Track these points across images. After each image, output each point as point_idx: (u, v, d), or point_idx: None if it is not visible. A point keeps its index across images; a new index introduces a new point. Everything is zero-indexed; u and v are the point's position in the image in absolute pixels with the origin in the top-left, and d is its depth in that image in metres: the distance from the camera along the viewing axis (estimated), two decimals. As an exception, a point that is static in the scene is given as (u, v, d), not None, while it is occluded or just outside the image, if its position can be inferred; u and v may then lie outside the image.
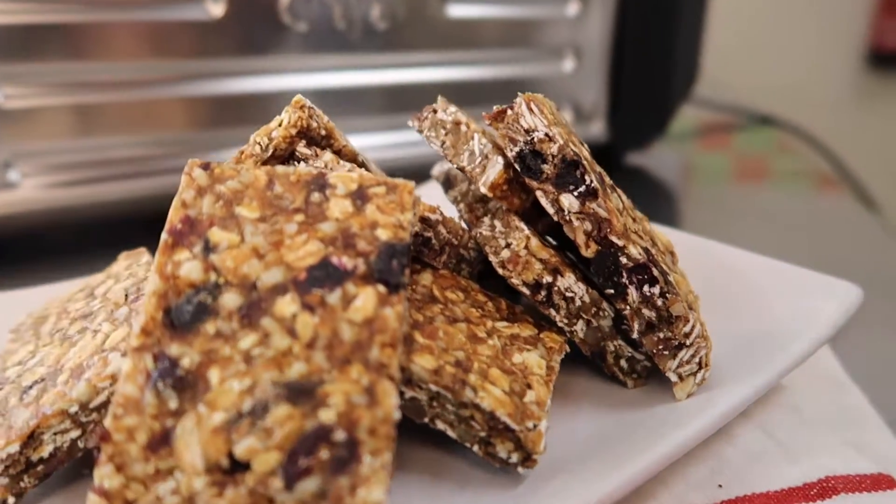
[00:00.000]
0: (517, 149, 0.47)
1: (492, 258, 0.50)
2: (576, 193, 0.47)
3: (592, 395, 0.51)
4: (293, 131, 0.51)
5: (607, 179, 0.52)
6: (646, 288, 0.47)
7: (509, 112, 0.47)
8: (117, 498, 0.33)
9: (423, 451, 0.45)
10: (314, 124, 0.52)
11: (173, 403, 0.35)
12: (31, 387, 0.42)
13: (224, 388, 0.35)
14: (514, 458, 0.41)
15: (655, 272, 0.47)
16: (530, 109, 0.46)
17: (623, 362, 0.51)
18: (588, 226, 0.47)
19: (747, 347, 0.53)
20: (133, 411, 0.34)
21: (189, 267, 0.39)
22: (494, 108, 0.47)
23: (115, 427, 0.34)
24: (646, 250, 0.49)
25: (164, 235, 0.40)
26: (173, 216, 0.41)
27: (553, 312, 0.49)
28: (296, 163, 0.52)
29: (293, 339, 0.37)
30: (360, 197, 0.42)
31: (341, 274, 0.39)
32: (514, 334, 0.49)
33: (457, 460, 0.45)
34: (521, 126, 0.47)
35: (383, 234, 0.41)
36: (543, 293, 0.49)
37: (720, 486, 0.45)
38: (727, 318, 0.56)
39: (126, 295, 0.48)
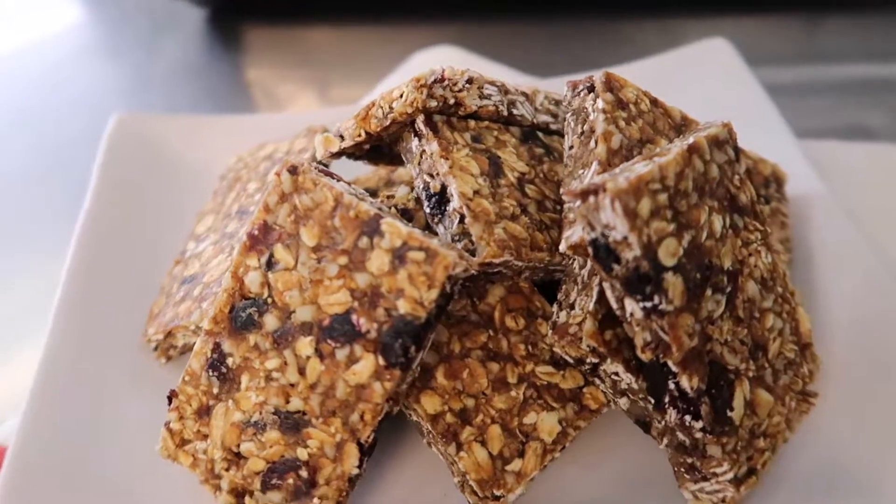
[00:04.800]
0: (593, 236, 0.41)
1: (553, 307, 0.48)
2: (641, 306, 0.41)
3: (617, 447, 0.51)
4: (409, 110, 0.49)
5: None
6: (687, 418, 0.43)
7: (591, 199, 0.40)
8: (177, 435, 0.47)
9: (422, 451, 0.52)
10: (433, 103, 0.49)
11: (216, 389, 0.46)
12: (185, 281, 0.57)
13: (246, 395, 0.45)
14: (476, 509, 0.47)
15: (704, 409, 0.42)
16: (612, 206, 0.39)
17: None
18: (648, 336, 0.42)
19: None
20: (193, 383, 0.47)
21: (252, 277, 0.46)
22: (579, 187, 0.40)
23: (180, 389, 0.47)
24: (719, 369, 0.43)
25: (244, 237, 0.47)
26: (256, 218, 0.47)
27: (598, 382, 0.48)
28: (414, 136, 0.51)
29: (301, 377, 0.45)
30: (399, 257, 0.43)
31: (355, 334, 0.44)
32: (551, 384, 0.49)
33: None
34: (600, 218, 0.40)
35: (402, 307, 0.43)
36: (588, 368, 0.47)
37: None
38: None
39: (264, 215, 0.57)
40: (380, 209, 0.47)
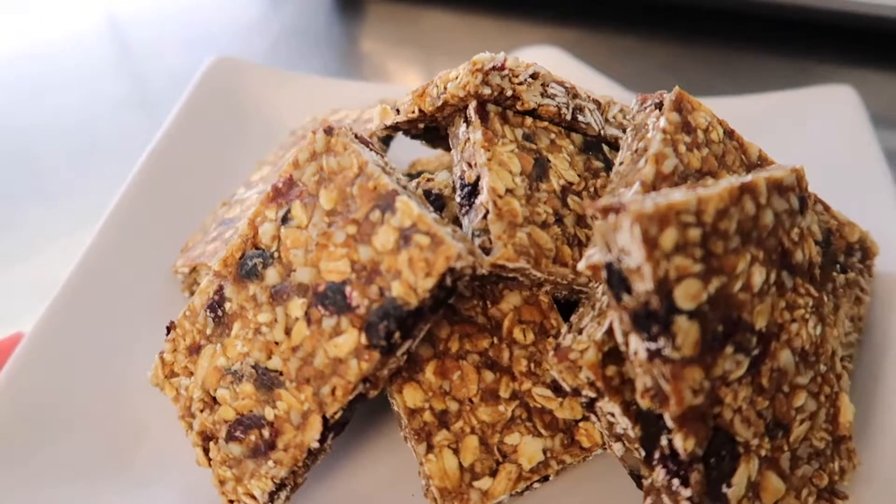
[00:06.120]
0: (609, 259, 0.37)
1: (563, 328, 0.44)
2: (646, 347, 0.37)
3: (606, 497, 0.47)
4: (461, 93, 0.47)
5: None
6: (675, 482, 0.38)
7: (611, 217, 0.36)
8: (168, 366, 0.48)
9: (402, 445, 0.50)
10: (487, 91, 0.47)
11: (209, 330, 0.46)
12: (223, 223, 0.58)
13: (234, 342, 0.45)
14: (435, 517, 0.45)
15: (695, 477, 0.38)
16: (631, 230, 0.35)
17: (663, 500, 0.44)
18: (648, 382, 0.38)
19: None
20: (191, 318, 0.47)
21: (266, 228, 0.46)
22: (602, 202, 0.36)
23: (179, 322, 0.48)
24: (725, 438, 0.38)
25: (269, 187, 0.47)
26: (284, 171, 0.46)
27: (593, 419, 0.44)
28: (464, 122, 0.49)
29: (286, 338, 0.44)
30: (405, 238, 0.41)
31: (345, 306, 0.42)
32: (545, 409, 0.46)
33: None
34: (617, 240, 0.36)
35: (396, 290, 0.41)
36: (584, 401, 0.43)
37: None
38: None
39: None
40: (405, 187, 0.46)
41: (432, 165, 0.64)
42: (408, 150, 0.65)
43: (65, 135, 0.87)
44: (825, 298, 0.42)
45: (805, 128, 0.67)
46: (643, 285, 0.36)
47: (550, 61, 0.82)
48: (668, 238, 0.35)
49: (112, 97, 0.94)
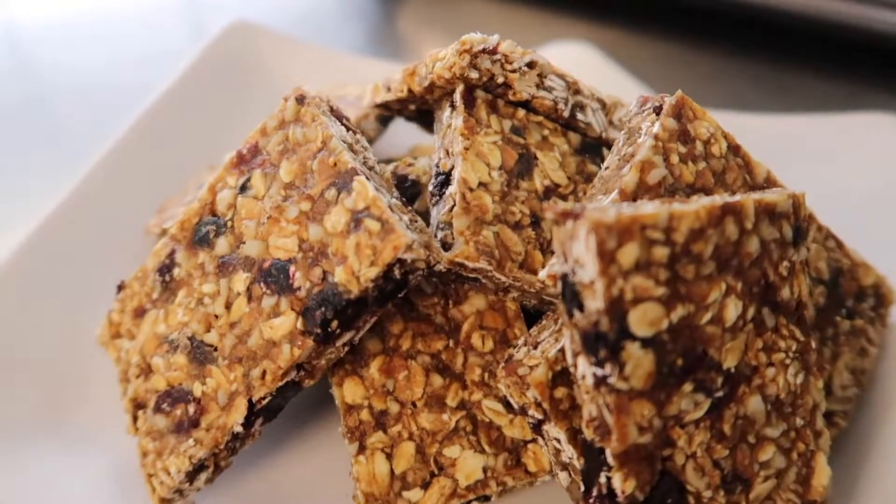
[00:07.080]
0: (564, 269, 0.34)
1: (516, 343, 0.41)
2: (593, 371, 0.33)
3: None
4: (447, 74, 0.44)
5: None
6: (610, 525, 0.34)
7: (568, 223, 0.32)
8: (115, 326, 0.46)
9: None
10: (475, 75, 0.43)
11: (155, 294, 0.44)
12: (201, 186, 0.56)
13: (176, 310, 0.43)
14: (358, 520, 0.42)
15: (630, 524, 0.34)
16: (586, 240, 0.31)
17: (608, 540, 0.40)
18: (594, 411, 0.34)
19: None
20: (141, 280, 0.45)
21: (224, 195, 0.43)
22: (561, 206, 0.33)
23: (129, 283, 0.46)
24: (672, 485, 0.34)
25: (233, 153, 0.44)
26: (251, 138, 0.44)
27: (540, 442, 0.40)
28: (449, 106, 0.46)
29: (226, 312, 0.41)
30: (356, 221, 0.38)
31: (286, 286, 0.39)
32: (493, 424, 0.42)
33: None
34: (572, 250, 0.32)
35: (338, 275, 0.38)
36: (530, 422, 0.39)
37: None
38: None
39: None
40: (371, 168, 0.43)
41: (430, 151, 0.61)
42: (410, 135, 0.62)
43: (89, 89, 0.87)
44: (813, 344, 0.37)
45: (844, 155, 0.61)
46: (594, 303, 0.32)
47: (579, 58, 0.78)
48: (629, 254, 0.31)
49: (143, 54, 0.93)
